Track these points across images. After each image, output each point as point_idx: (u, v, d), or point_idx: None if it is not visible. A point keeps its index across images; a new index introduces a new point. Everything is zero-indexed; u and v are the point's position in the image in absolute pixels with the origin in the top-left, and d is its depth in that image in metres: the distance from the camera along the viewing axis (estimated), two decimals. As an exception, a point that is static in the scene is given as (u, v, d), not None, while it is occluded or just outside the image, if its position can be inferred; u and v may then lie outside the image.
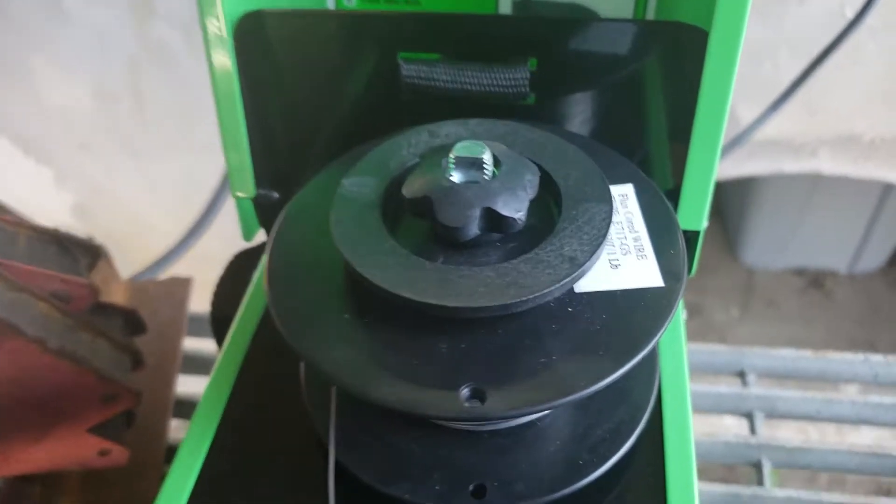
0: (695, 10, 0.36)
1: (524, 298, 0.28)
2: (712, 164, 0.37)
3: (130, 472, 0.61)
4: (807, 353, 0.70)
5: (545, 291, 0.28)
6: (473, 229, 0.30)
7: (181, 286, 0.81)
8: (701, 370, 0.76)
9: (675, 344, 0.37)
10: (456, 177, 0.30)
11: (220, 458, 0.35)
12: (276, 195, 0.45)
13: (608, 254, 0.32)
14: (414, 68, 0.39)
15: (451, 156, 0.30)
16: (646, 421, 0.34)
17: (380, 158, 0.34)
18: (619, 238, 0.33)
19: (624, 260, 0.32)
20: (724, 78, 0.35)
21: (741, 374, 0.72)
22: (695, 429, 0.35)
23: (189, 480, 0.34)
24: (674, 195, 0.40)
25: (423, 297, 0.28)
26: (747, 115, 0.86)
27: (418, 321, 0.29)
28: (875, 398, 0.68)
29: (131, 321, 0.64)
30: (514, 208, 0.30)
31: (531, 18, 0.40)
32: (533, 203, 0.31)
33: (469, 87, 0.39)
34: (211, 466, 0.35)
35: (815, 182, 1.31)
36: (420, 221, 0.31)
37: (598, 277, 0.31)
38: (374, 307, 0.31)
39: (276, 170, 0.45)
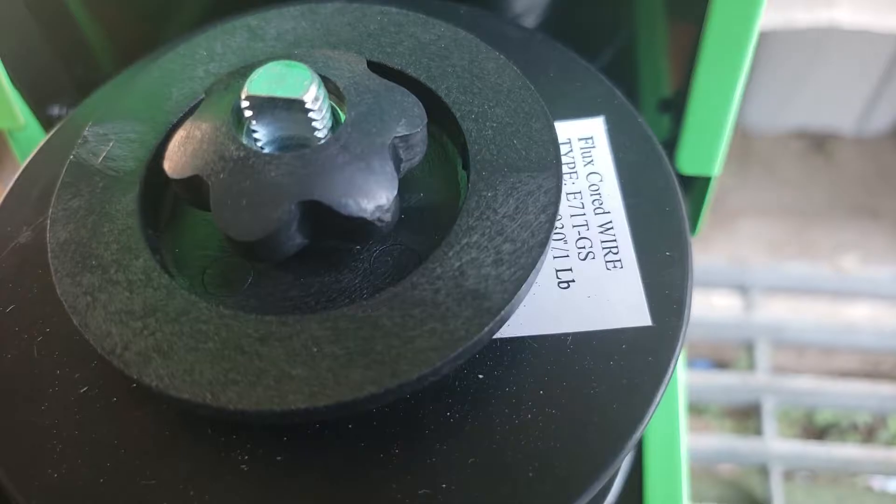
0: None
1: (375, 392, 0.14)
2: (743, 56, 0.22)
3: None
4: (822, 270, 0.58)
5: (418, 376, 0.14)
6: (290, 240, 0.16)
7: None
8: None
9: (668, 405, 0.23)
10: (260, 136, 0.16)
11: None
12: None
13: (554, 257, 0.18)
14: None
15: (245, 94, 0.15)
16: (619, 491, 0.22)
17: (154, 86, 0.19)
18: (575, 226, 0.19)
19: (582, 271, 0.18)
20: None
21: (743, 290, 0.59)
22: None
23: None
24: (672, 111, 0.25)
25: (177, 388, 0.14)
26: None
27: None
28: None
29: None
30: (367, 199, 0.15)
31: None
32: (424, 165, 0.17)
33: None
34: None
35: (822, 36, 1.16)
36: None
37: (533, 308, 0.17)
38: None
39: (78, 77, 0.30)
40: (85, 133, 0.19)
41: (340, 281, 0.17)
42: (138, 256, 0.16)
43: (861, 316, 0.75)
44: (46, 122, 0.29)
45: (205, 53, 0.20)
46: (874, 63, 1.26)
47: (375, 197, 0.15)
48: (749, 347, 0.55)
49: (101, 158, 0.18)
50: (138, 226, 0.17)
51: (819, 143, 1.44)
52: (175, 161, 0.16)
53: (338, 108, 0.16)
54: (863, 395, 0.53)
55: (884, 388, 0.53)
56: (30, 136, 0.29)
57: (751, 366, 0.55)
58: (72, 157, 0.18)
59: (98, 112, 0.19)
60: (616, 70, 0.24)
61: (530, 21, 0.29)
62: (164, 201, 0.18)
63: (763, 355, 0.55)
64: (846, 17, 1.00)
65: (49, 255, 0.17)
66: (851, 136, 1.44)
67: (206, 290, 0.17)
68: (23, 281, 0.19)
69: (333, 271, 0.17)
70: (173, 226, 0.18)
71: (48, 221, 0.17)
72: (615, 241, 0.18)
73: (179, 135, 0.16)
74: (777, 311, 0.58)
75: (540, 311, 0.17)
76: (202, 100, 0.17)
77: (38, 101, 0.28)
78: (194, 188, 0.16)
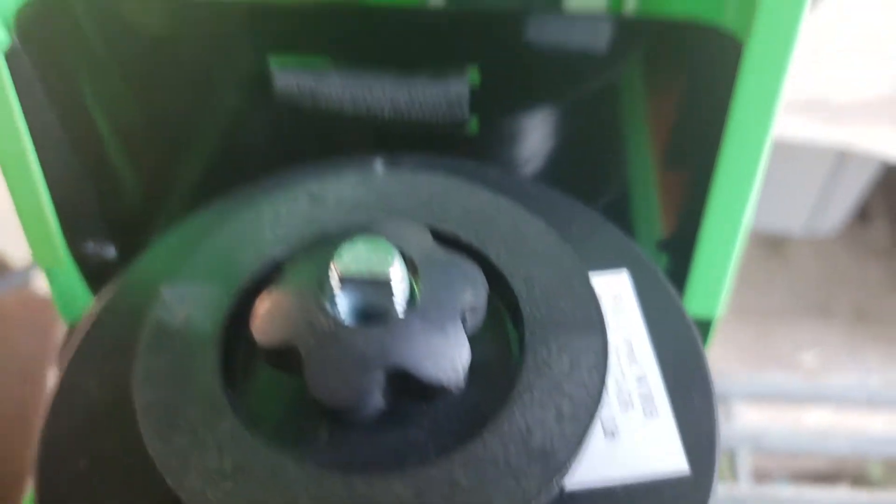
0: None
1: None
2: (746, 203, 0.25)
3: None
4: (796, 379, 0.60)
5: None
6: (373, 403, 0.17)
7: (47, 309, 0.66)
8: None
9: None
10: (342, 309, 0.18)
11: None
12: (112, 251, 0.31)
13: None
14: (292, 78, 0.26)
15: (336, 273, 0.17)
16: None
17: (224, 248, 0.21)
18: (614, 379, 0.21)
19: (625, 421, 0.20)
20: (769, 90, 0.23)
21: (723, 402, 0.61)
22: None
23: None
24: (670, 252, 0.28)
25: None
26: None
27: None
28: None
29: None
30: (444, 365, 0.17)
31: (471, 13, 0.26)
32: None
33: (376, 107, 0.26)
34: None
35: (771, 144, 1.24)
36: None
37: (584, 459, 0.19)
38: None
39: (111, 213, 0.31)
40: (163, 294, 0.20)
41: (407, 436, 0.18)
42: (223, 417, 0.18)
43: (827, 420, 0.78)
44: (81, 260, 0.30)
45: (269, 217, 0.22)
46: (819, 168, 1.33)
47: (453, 363, 0.17)
48: (731, 456, 0.57)
49: (180, 320, 0.19)
50: (220, 386, 0.18)
51: (773, 244, 1.51)
52: (264, 329, 0.18)
53: (412, 283, 0.18)
54: (842, 501, 0.54)
55: (860, 495, 0.55)
56: (66, 273, 0.30)
57: (734, 475, 0.56)
58: (152, 317, 0.20)
59: (167, 271, 0.21)
60: (611, 215, 0.27)
61: (528, 170, 0.32)
62: (238, 361, 0.20)
63: (745, 463, 0.56)
64: (789, 130, 1.06)
65: (138, 415, 0.18)
66: (803, 238, 1.50)
67: (282, 447, 0.18)
68: (96, 438, 0.20)
69: (399, 427, 0.18)
70: (246, 383, 0.20)
71: (133, 381, 0.18)
72: (650, 391, 0.20)
73: (265, 303, 0.18)
74: (755, 420, 0.60)
75: (590, 461, 0.19)
76: (281, 266, 0.19)
77: (76, 239, 0.29)
78: (283, 355, 0.17)
